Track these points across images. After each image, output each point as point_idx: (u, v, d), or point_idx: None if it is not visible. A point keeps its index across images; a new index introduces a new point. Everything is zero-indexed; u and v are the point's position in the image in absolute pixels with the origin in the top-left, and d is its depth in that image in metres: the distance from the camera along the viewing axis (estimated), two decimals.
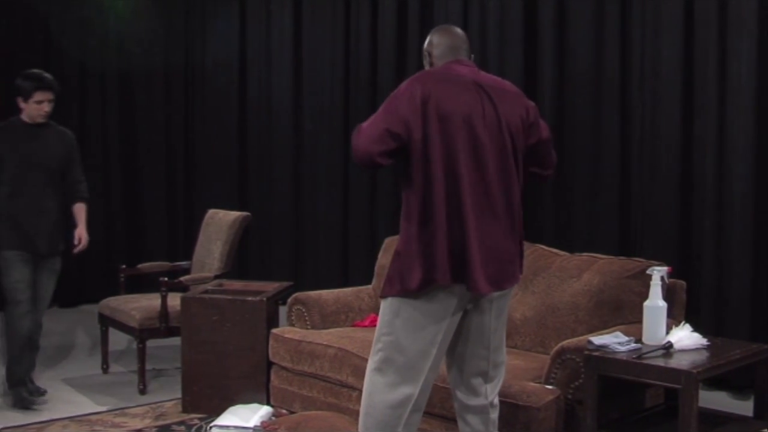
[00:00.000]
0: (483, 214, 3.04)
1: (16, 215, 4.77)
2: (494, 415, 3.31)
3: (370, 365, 3.20)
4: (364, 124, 3.08)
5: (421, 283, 3.03)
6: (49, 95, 4.80)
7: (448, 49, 3.23)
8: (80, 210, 5.08)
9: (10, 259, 4.77)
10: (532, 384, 3.64)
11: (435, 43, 3.25)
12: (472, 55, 3.30)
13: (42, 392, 4.88)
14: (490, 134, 3.07)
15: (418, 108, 3.00)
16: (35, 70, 4.88)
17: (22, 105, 4.81)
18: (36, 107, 4.78)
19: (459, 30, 3.32)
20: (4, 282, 4.83)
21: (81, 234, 5.05)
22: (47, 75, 4.85)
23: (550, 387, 3.60)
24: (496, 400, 3.32)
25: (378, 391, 3.15)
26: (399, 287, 3.08)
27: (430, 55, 3.25)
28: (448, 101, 3.03)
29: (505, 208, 3.11)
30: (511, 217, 3.13)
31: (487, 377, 3.27)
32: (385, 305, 3.17)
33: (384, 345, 3.14)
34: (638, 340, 3.61)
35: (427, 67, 3.26)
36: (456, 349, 3.25)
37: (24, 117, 4.85)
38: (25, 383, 4.83)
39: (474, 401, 3.27)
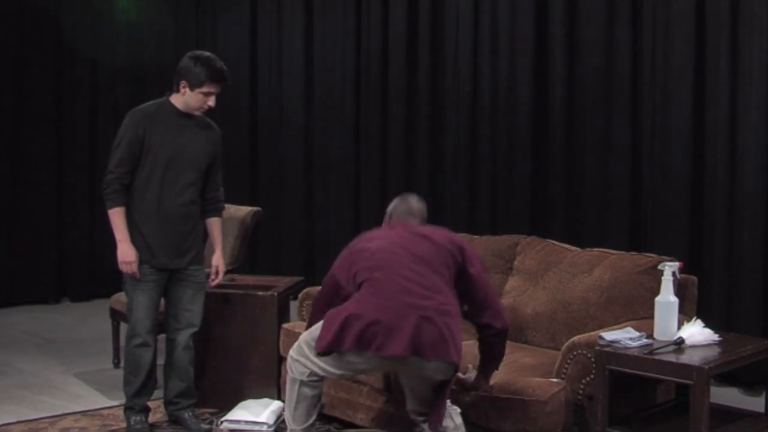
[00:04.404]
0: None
1: (157, 223, 4.02)
2: None
3: None
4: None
5: None
6: (219, 89, 4.09)
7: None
8: (216, 227, 4.29)
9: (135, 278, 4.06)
10: (536, 379, 3.64)
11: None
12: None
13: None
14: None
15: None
16: (209, 54, 4.14)
17: (183, 90, 4.04)
18: (200, 99, 4.05)
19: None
20: (127, 304, 4.16)
21: (219, 263, 4.27)
22: (222, 63, 4.13)
23: (555, 380, 3.60)
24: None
25: None
26: None
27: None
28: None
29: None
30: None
31: None
32: None
33: None
34: (649, 336, 3.61)
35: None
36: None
37: (176, 102, 4.09)
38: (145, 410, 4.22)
39: None
